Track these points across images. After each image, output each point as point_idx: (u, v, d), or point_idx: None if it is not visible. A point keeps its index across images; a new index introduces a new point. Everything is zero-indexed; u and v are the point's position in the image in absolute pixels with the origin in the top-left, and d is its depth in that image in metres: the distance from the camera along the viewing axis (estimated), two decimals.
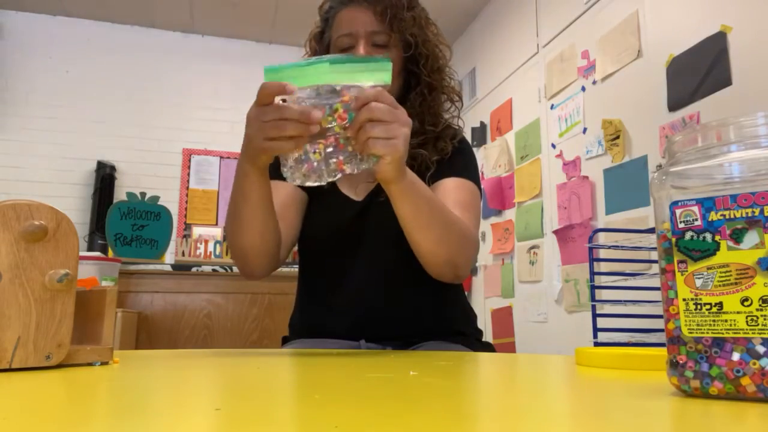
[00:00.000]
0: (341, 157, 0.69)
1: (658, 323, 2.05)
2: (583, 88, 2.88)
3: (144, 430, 0.27)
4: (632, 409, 0.35)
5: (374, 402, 0.36)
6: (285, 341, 1.10)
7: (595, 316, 2.08)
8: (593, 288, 2.06)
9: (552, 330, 3.01)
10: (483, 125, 3.96)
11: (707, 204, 0.37)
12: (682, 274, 0.38)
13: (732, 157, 0.37)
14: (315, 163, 0.69)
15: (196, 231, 4.17)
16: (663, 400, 0.38)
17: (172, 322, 2.32)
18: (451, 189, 1.00)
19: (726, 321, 0.36)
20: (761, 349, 0.35)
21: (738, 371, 0.35)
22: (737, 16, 2.04)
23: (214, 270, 2.49)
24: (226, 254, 3.08)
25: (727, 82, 2.04)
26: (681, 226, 0.38)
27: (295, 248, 1.09)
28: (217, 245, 3.17)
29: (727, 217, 0.36)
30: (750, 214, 0.36)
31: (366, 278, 1.00)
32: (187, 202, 4.31)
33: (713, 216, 0.37)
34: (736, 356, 0.35)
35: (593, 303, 2.07)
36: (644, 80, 2.45)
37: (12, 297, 0.51)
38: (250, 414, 0.32)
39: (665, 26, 2.37)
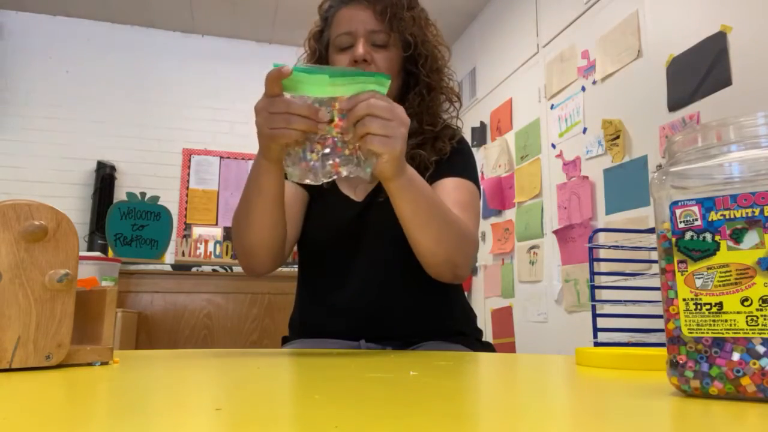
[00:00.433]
0: (337, 160, 0.71)
1: (658, 323, 2.05)
2: (583, 88, 2.88)
3: (144, 430, 0.27)
4: (632, 409, 0.35)
5: (374, 402, 0.36)
6: (285, 341, 1.10)
7: (595, 316, 2.08)
8: (593, 288, 2.06)
9: (552, 330, 3.01)
10: (483, 125, 3.97)
11: (707, 204, 0.37)
12: (682, 274, 0.38)
13: (732, 157, 0.37)
14: (312, 163, 0.70)
15: (196, 231, 4.17)
16: (663, 400, 0.38)
17: (172, 322, 2.32)
18: (451, 189, 1.00)
19: (726, 321, 0.36)
20: (761, 349, 0.35)
21: (738, 371, 0.35)
22: (737, 16, 2.04)
23: (214, 270, 2.49)
24: (227, 254, 3.08)
25: (727, 82, 2.04)
26: (681, 226, 0.38)
27: (295, 248, 1.09)
28: (217, 245, 3.17)
29: (727, 217, 0.36)
30: (750, 214, 0.36)
31: (366, 278, 1.00)
32: (187, 202, 4.31)
33: (713, 216, 0.37)
34: (736, 356, 0.35)
35: (593, 303, 2.07)
36: (644, 80, 2.45)
37: (12, 297, 0.51)
38: (250, 414, 0.32)
39: (665, 26, 2.37)
